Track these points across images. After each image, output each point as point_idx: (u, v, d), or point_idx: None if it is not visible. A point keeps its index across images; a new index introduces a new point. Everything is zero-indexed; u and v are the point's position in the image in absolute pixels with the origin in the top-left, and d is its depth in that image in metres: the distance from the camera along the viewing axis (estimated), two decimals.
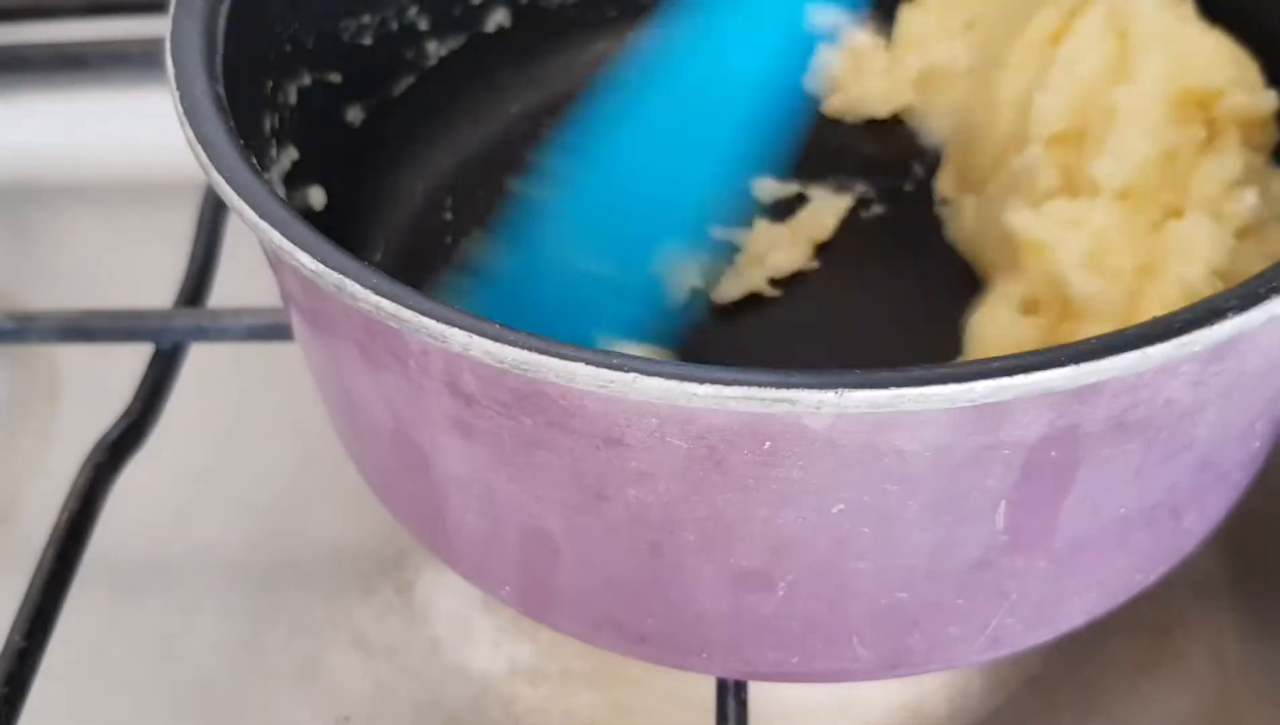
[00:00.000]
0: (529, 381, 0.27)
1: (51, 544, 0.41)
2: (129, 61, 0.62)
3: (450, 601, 0.45)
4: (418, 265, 0.47)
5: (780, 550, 0.29)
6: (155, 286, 0.50)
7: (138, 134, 0.60)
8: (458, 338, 0.26)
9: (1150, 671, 0.42)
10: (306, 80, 0.43)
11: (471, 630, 0.44)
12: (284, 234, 0.28)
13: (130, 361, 0.47)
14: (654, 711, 0.42)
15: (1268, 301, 0.26)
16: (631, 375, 0.25)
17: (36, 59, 0.63)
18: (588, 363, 0.25)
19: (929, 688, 0.42)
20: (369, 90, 0.47)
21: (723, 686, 0.37)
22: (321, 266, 0.27)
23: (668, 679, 0.43)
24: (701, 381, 0.25)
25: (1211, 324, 0.26)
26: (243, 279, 0.50)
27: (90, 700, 0.43)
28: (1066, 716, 0.41)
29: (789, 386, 0.25)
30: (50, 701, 0.39)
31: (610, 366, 0.25)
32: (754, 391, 0.25)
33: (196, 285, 0.50)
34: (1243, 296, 0.27)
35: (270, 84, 0.41)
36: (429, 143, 0.50)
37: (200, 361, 0.48)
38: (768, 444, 0.27)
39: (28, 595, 0.40)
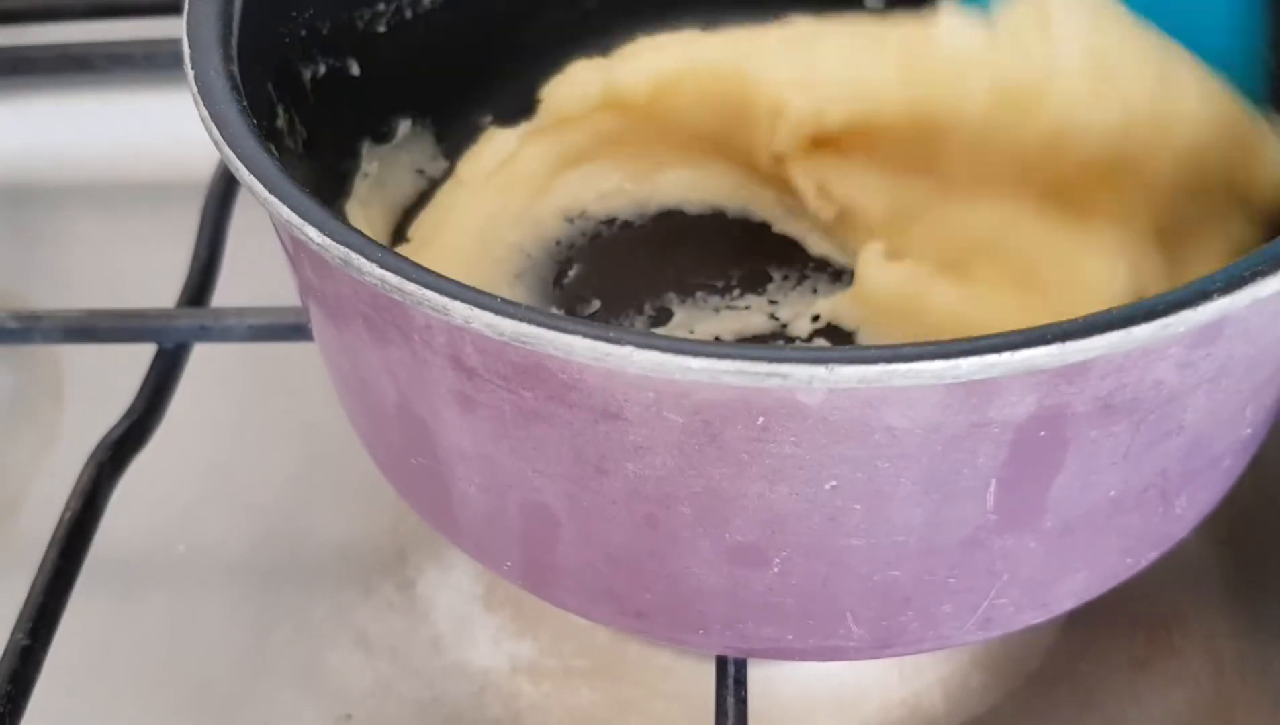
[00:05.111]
0: (529, 354, 0.27)
1: (55, 543, 0.41)
2: (132, 63, 0.62)
3: (451, 599, 0.45)
4: None
5: (774, 525, 0.30)
6: (159, 286, 0.50)
7: (141, 135, 0.62)
8: (459, 310, 0.26)
9: (1147, 668, 0.42)
10: (321, 67, 0.44)
11: (472, 628, 0.44)
12: (294, 209, 0.28)
13: (134, 361, 0.47)
14: (654, 709, 0.42)
15: (1252, 284, 0.27)
16: (628, 348, 0.25)
17: (40, 60, 0.64)
18: (585, 336, 0.26)
19: (927, 683, 0.42)
20: (382, 76, 0.47)
21: (722, 684, 0.37)
22: (329, 240, 0.27)
23: (668, 677, 0.43)
24: (696, 355, 0.25)
25: (1196, 306, 0.26)
26: (246, 279, 0.51)
27: (93, 699, 0.44)
28: (1064, 713, 0.41)
29: (781, 361, 0.25)
30: (54, 700, 0.40)
31: (607, 339, 0.26)
32: (747, 365, 0.25)
33: (200, 285, 0.50)
34: (1228, 279, 0.27)
35: (284, 70, 0.42)
36: (444, 129, 0.50)
37: (203, 361, 0.49)
38: (761, 419, 0.27)
39: (31, 594, 0.40)
